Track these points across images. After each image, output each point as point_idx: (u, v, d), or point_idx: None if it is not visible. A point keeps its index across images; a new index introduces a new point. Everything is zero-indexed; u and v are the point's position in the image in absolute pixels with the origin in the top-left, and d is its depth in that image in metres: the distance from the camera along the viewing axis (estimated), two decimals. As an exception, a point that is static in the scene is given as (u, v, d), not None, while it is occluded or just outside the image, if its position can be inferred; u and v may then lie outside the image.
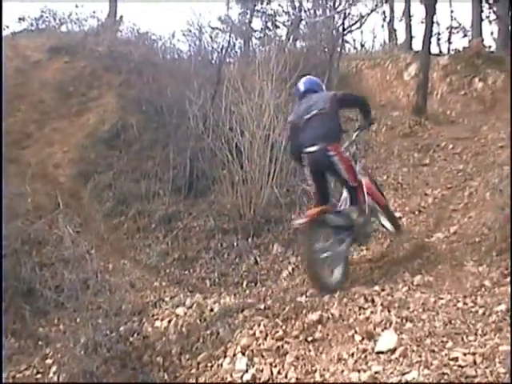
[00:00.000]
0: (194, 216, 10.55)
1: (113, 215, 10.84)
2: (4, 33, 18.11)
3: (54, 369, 6.68)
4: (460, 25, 25.09)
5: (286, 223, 9.91)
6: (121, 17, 20.24)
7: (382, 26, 26.34)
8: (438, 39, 25.58)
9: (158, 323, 7.05)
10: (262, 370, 5.31)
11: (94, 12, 19.43)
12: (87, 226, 10.27)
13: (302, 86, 8.10)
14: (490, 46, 19.33)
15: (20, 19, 19.35)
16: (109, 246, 9.77)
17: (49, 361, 6.90)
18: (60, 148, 12.47)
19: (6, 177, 9.90)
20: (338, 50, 16.22)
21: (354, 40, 25.94)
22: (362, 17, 17.68)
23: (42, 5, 19.91)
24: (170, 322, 6.96)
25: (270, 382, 5.19)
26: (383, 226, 8.15)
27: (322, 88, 8.21)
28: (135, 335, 6.70)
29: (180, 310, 7.19)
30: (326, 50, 15.95)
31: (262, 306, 6.60)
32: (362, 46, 25.33)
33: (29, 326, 7.70)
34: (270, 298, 7.23)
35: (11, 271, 8.27)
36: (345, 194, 7.57)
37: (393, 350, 4.87)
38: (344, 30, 16.40)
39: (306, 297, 6.94)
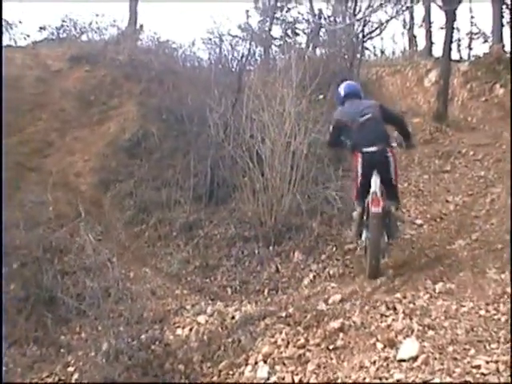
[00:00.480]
0: (215, 224, 10.55)
1: (134, 223, 10.89)
2: (25, 42, 18.35)
3: (75, 376, 6.70)
4: (480, 30, 24.95)
5: (307, 231, 9.89)
6: (141, 25, 20.37)
7: (402, 33, 26.33)
8: (459, 45, 25.41)
9: (179, 331, 7.06)
10: (283, 378, 5.31)
11: (114, 21, 19.53)
12: (108, 234, 10.32)
13: (345, 89, 8.74)
14: (510, 52, 19.25)
15: (41, 28, 19.60)
16: (130, 254, 9.79)
17: (70, 368, 6.92)
18: (81, 157, 12.55)
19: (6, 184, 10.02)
20: (358, 56, 16.23)
21: (374, 47, 25.84)
22: (382, 24, 17.70)
23: (62, 14, 20.08)
24: (191, 329, 6.97)
25: (292, 389, 5.21)
26: None
27: (362, 93, 8.90)
28: (157, 343, 6.70)
29: (201, 318, 7.21)
30: (346, 57, 15.97)
31: (284, 314, 6.60)
32: (382, 52, 25.35)
33: (51, 333, 7.74)
34: (291, 305, 7.20)
35: (33, 279, 8.33)
36: (373, 189, 7.82)
37: (415, 358, 4.85)
38: (364, 36, 16.42)
39: (328, 305, 6.93)
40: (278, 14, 21.78)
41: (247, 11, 22.57)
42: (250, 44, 16.86)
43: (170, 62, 16.16)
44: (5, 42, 19.36)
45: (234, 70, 14.82)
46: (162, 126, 13.25)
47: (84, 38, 19.35)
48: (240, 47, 17.57)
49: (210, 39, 18.06)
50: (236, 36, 19.36)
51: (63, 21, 19.73)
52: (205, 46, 18.70)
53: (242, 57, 15.03)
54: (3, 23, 19.02)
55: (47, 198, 10.19)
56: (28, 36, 19.15)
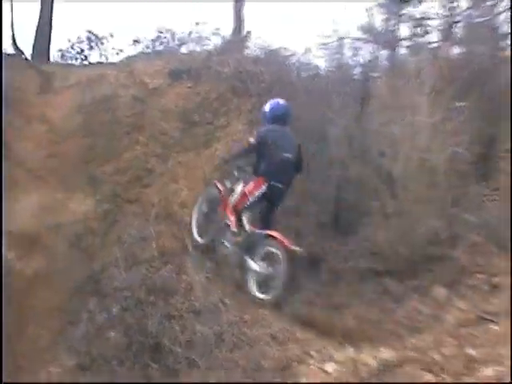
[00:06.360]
0: (341, 255, 10.51)
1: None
2: (117, 57, 18.83)
3: None
4: None
5: (449, 261, 9.69)
6: (248, 32, 20.36)
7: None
8: None
9: (303, 381, 7.03)
10: None
11: (217, 29, 19.61)
12: (220, 272, 10.35)
13: (276, 111, 10.58)
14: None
15: (135, 41, 19.96)
16: (245, 294, 9.80)
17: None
18: (186, 184, 12.68)
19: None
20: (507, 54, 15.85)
21: (522, 42, 25.14)
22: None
23: (158, 24, 20.38)
24: (318, 380, 6.92)
25: None
26: None
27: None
28: (278, 395, 6.70)
29: (329, 366, 7.15)
30: (489, 55, 15.64)
31: (426, 360, 6.48)
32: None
33: (157, 386, 7.84)
34: (434, 350, 7.06)
35: (136, 325, 8.48)
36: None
37: None
38: (512, 32, 16.04)
39: (477, 349, 6.77)
40: (404, 10, 21.61)
41: (369, 9, 22.42)
42: (374, 47, 16.78)
43: (283, 72, 16.10)
44: (95, 58, 20.02)
45: (356, 77, 14.76)
46: (276, 144, 13.23)
47: (184, 49, 19.58)
48: (362, 51, 17.48)
49: (328, 44, 18.03)
50: (357, 38, 19.28)
51: (159, 31, 20.10)
52: (322, 52, 18.66)
53: (365, 62, 14.97)
54: (93, 38, 19.73)
55: (149, 232, 10.35)
56: (121, 51, 19.64)
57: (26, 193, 11.64)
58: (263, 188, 10.04)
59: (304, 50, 17.90)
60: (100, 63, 19.51)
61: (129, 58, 19.04)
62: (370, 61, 14.95)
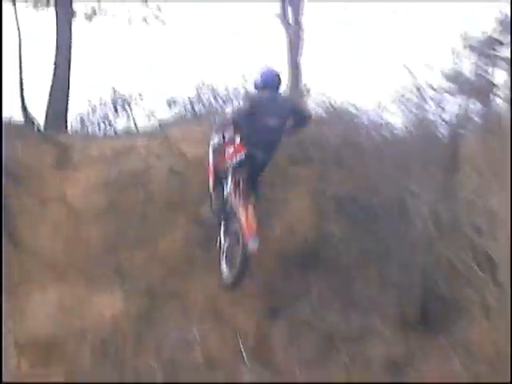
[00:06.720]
0: (430, 358, 10.40)
1: (315, 363, 10.81)
2: (149, 122, 19.06)
3: None
4: None
5: None
6: (307, 88, 20.34)
7: None
8: None
9: None
10: None
11: (268, 83, 19.60)
12: (280, 378, 10.26)
13: (264, 80, 12.32)
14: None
15: (169, 103, 20.13)
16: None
17: None
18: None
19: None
20: None
21: None
22: None
23: (196, 80, 20.54)
24: None
25: None
26: None
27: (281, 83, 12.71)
28: None
29: None
30: None
31: None
32: None
33: None
34: None
35: None
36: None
37: None
38: None
39: None
40: (500, 52, 21.54)
41: (455, 52, 22.37)
42: (463, 98, 16.76)
43: (350, 132, 16.06)
44: (122, 123, 20.28)
45: (441, 136, 14.76)
46: (345, 222, 13.18)
47: (229, 109, 19.54)
48: (448, 104, 17.47)
49: (405, 97, 18.01)
50: (442, 89, 19.25)
51: (197, 88, 20.23)
52: (397, 107, 18.62)
53: (452, 117, 14.95)
54: (119, 101, 20.05)
55: (193, 335, 10.35)
56: (152, 114, 19.83)
57: (40, 288, 11.70)
58: (242, 154, 11.77)
59: (375, 106, 17.90)
60: (128, 129, 19.72)
61: (162, 123, 19.17)
62: (457, 115, 14.92)
